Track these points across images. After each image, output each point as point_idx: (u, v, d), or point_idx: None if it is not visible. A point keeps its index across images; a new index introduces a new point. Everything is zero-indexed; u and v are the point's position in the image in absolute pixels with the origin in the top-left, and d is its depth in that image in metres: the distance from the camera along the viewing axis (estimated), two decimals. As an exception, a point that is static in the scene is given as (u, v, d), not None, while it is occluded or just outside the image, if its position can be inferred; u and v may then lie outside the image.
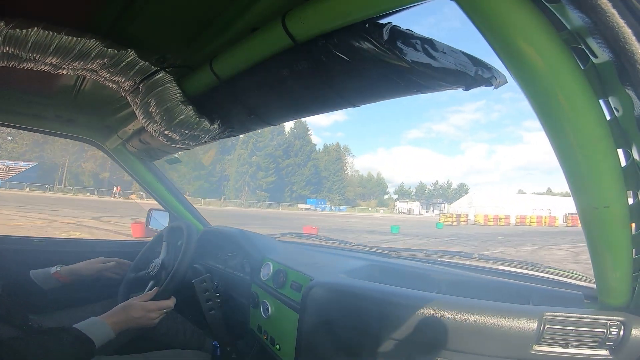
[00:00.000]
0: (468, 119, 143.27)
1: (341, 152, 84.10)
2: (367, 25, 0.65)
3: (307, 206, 63.69)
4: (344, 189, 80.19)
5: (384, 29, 0.64)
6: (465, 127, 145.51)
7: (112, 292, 1.59)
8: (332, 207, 66.07)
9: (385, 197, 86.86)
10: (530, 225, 38.27)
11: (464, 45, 0.69)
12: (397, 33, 0.64)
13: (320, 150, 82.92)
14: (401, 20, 0.65)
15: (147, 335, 1.47)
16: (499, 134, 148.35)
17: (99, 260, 1.59)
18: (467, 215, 38.60)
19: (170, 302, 1.34)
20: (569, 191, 0.59)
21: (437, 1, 0.56)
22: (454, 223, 37.59)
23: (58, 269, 1.48)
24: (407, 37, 0.65)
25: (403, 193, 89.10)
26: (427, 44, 0.65)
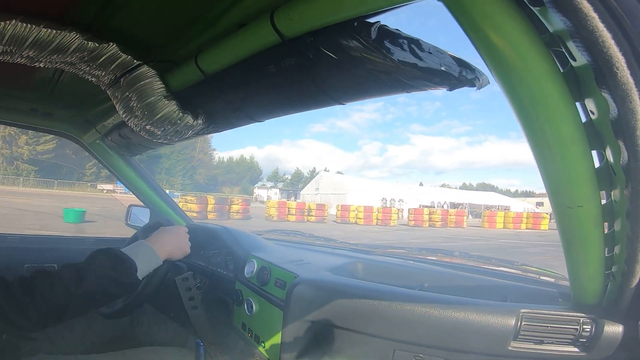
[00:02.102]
0: (367, 118, 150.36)
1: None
2: (355, 24, 0.65)
3: (111, 187, 40.97)
4: (193, 170, 61.00)
5: (372, 28, 0.64)
6: (364, 126, 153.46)
7: None
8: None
9: (259, 183, 71.99)
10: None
11: (450, 46, 0.71)
12: (385, 32, 0.65)
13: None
14: (389, 19, 0.66)
15: (128, 333, 1.44)
16: (390, 134, 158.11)
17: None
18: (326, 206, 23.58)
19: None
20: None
21: (425, 2, 0.56)
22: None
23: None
24: (395, 37, 0.65)
25: (277, 179, 76.17)
26: (414, 44, 0.66)
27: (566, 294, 0.94)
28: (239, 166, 75.43)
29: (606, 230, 0.63)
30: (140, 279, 0.97)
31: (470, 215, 34.27)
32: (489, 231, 21.99)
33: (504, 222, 24.98)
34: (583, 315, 0.77)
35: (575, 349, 0.78)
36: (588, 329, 0.76)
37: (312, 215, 21.96)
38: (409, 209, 23.59)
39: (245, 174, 74.06)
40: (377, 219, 22.39)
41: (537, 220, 25.28)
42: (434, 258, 1.52)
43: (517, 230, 23.61)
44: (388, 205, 32.79)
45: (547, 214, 25.75)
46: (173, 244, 1.12)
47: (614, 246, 0.65)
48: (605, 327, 0.74)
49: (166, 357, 1.35)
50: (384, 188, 45.09)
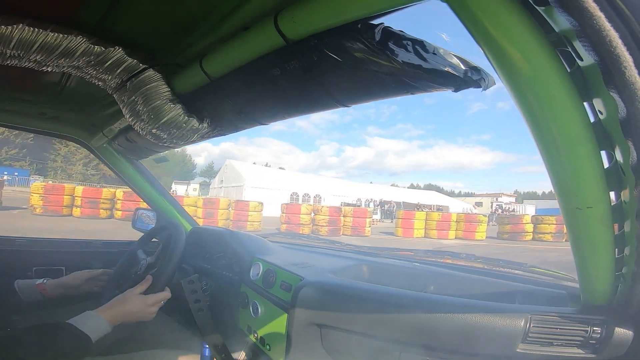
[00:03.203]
0: (326, 119, 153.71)
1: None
2: (359, 26, 0.65)
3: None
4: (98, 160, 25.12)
5: (376, 30, 0.64)
6: (323, 126, 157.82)
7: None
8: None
9: (195, 179, 63.65)
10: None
11: (454, 47, 0.70)
12: (389, 34, 0.65)
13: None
14: (393, 21, 0.66)
15: (134, 335, 1.44)
16: (348, 135, 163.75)
17: (85, 273, 1.50)
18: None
19: (167, 293, 1.28)
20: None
21: (429, 3, 0.56)
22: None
23: (44, 281, 1.40)
24: (399, 38, 0.65)
25: (211, 174, 66.24)
26: (418, 45, 0.65)
27: (576, 296, 0.93)
28: (171, 157, 64.95)
29: (616, 231, 0.62)
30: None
31: (380, 216, 28.95)
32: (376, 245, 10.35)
33: (425, 228, 16.20)
34: (593, 317, 0.76)
35: (585, 351, 0.77)
36: (598, 331, 0.75)
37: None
38: (282, 205, 15.63)
39: (173, 168, 63.59)
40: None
41: (471, 225, 16.19)
42: (440, 260, 1.51)
43: (439, 240, 15.19)
44: (300, 202, 28.13)
45: (485, 216, 17.61)
46: (127, 314, 1.15)
47: (624, 247, 0.64)
48: (615, 329, 0.73)
49: (172, 359, 1.35)
50: (301, 181, 37.31)
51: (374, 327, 0.97)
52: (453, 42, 0.68)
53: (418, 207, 30.99)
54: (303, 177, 40.92)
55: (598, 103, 0.49)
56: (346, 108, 0.87)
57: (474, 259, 1.51)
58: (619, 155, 0.52)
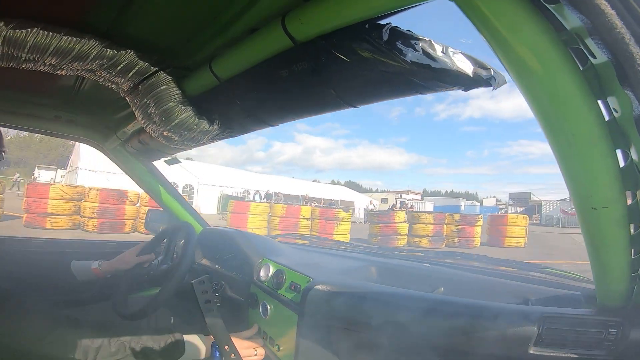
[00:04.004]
0: None
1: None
2: (366, 26, 0.65)
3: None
4: None
5: (384, 30, 0.64)
6: None
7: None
8: None
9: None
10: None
11: (463, 46, 0.69)
12: (397, 34, 0.65)
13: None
14: (400, 20, 0.65)
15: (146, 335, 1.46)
16: (276, 130, 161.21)
17: (134, 252, 1.64)
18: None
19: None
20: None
21: (437, 2, 0.56)
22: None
23: (99, 264, 1.57)
24: (407, 38, 0.65)
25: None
26: (427, 44, 0.65)
27: (591, 297, 0.91)
28: (40, 144, 57.65)
29: (632, 232, 0.61)
30: None
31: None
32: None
33: (268, 227, 12.36)
34: (609, 318, 0.75)
35: (600, 353, 0.75)
36: (614, 332, 0.73)
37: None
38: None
39: (48, 153, 57.08)
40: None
41: (327, 224, 12.03)
42: (451, 261, 1.49)
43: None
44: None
45: (347, 212, 13.33)
46: None
47: None
48: (632, 331, 0.72)
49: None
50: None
51: (383, 328, 0.96)
52: (462, 41, 0.67)
53: (305, 200, 25.12)
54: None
55: (612, 101, 0.48)
56: (355, 109, 0.86)
57: (486, 260, 1.48)
58: (634, 154, 0.51)
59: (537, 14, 0.45)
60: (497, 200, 62.02)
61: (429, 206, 40.94)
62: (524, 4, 0.44)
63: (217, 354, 1.43)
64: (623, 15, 0.38)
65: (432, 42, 0.66)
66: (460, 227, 12.81)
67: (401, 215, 12.81)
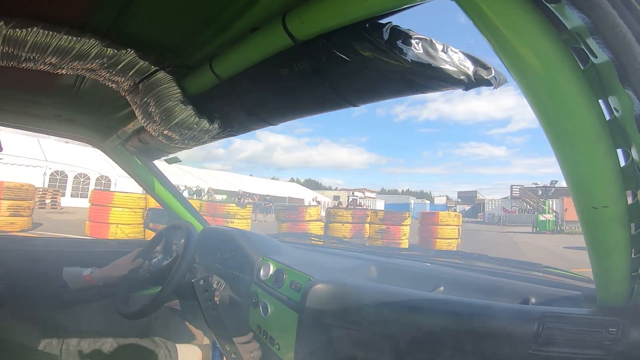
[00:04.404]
0: None
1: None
2: (367, 25, 0.65)
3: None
4: None
5: (384, 29, 0.64)
6: None
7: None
8: None
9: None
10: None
11: (464, 45, 0.69)
12: (397, 33, 0.64)
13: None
14: (401, 20, 0.65)
15: (147, 334, 1.47)
16: None
17: (129, 259, 1.58)
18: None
19: None
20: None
21: (438, 1, 0.56)
22: None
23: (91, 272, 1.48)
24: (407, 37, 0.65)
25: None
26: (427, 43, 0.65)
27: (591, 297, 0.91)
28: None
29: (633, 231, 0.61)
30: None
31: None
32: None
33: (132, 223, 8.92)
34: (609, 317, 0.75)
35: (601, 352, 0.75)
36: (613, 332, 0.73)
37: None
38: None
39: None
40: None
41: (214, 221, 7.61)
42: (451, 260, 1.49)
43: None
44: (70, 184, 19.35)
45: (238, 207, 10.69)
46: None
47: None
48: (632, 330, 0.72)
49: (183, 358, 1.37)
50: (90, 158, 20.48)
51: (383, 327, 0.96)
52: (463, 40, 0.67)
53: (239, 196, 23.06)
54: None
55: (613, 100, 0.48)
56: (355, 107, 0.86)
57: (486, 259, 1.48)
58: (635, 154, 0.51)
59: (538, 13, 0.45)
60: (447, 198, 63.38)
61: (380, 204, 40.34)
62: (524, 3, 0.44)
63: (218, 352, 1.44)
64: (624, 15, 0.37)
65: (433, 41, 0.66)
66: (384, 226, 10.43)
67: (313, 212, 10.68)
